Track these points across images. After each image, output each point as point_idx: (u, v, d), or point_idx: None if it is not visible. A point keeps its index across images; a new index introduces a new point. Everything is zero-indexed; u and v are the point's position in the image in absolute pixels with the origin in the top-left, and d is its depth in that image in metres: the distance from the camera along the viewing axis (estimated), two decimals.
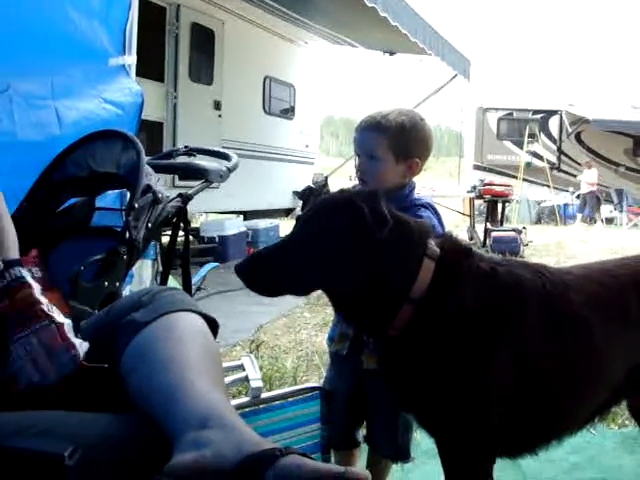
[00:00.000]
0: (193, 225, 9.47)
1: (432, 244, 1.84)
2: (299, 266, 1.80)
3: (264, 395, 2.26)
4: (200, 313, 1.63)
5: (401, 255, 1.79)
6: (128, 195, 2.45)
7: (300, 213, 1.99)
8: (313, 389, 2.34)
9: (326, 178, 12.02)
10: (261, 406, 2.21)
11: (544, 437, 2.00)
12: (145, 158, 2.41)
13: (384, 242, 1.74)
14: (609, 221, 19.45)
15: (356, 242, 1.75)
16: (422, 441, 2.94)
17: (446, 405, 1.81)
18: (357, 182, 2.33)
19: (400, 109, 2.25)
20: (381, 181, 2.18)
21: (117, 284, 2.26)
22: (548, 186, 19.28)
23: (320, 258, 1.77)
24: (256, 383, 2.26)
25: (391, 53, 12.49)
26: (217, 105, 9.41)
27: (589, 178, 19.16)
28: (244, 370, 2.37)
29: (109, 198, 2.90)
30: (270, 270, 1.83)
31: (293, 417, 2.25)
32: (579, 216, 18.90)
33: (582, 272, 2.10)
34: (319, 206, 1.89)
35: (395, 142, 2.16)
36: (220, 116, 9.44)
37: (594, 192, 19.13)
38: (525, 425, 1.91)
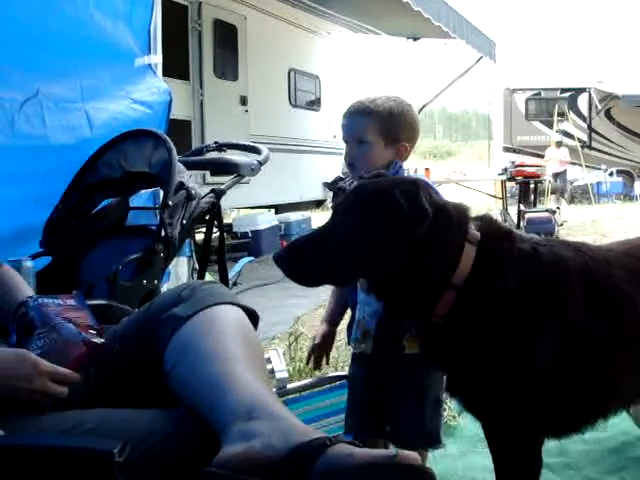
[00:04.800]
0: (225, 221, 9.50)
1: (472, 228, 1.83)
2: (340, 255, 1.77)
3: (290, 386, 2.27)
4: (240, 305, 1.63)
5: (442, 242, 1.77)
6: (161, 193, 2.47)
7: (333, 203, 1.96)
8: (339, 378, 2.34)
9: None
10: (290, 396, 2.23)
11: (590, 416, 1.97)
12: (176, 156, 2.42)
13: (424, 232, 1.73)
14: None
15: (396, 235, 1.73)
16: (466, 427, 2.93)
17: (494, 387, 1.80)
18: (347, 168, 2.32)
19: (387, 95, 2.26)
20: (370, 165, 2.17)
21: (155, 282, 2.28)
22: (580, 165, 19.01)
23: (360, 248, 1.75)
24: (281, 374, 2.27)
25: (415, 39, 12.40)
26: (243, 100, 9.42)
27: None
28: (271, 363, 2.38)
29: (142, 197, 2.92)
30: (311, 259, 1.79)
31: (322, 407, 2.26)
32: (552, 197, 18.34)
33: (623, 248, 2.06)
34: (357, 196, 1.85)
35: (384, 126, 2.16)
36: (247, 111, 9.45)
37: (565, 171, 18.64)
38: (571, 404, 1.89)
